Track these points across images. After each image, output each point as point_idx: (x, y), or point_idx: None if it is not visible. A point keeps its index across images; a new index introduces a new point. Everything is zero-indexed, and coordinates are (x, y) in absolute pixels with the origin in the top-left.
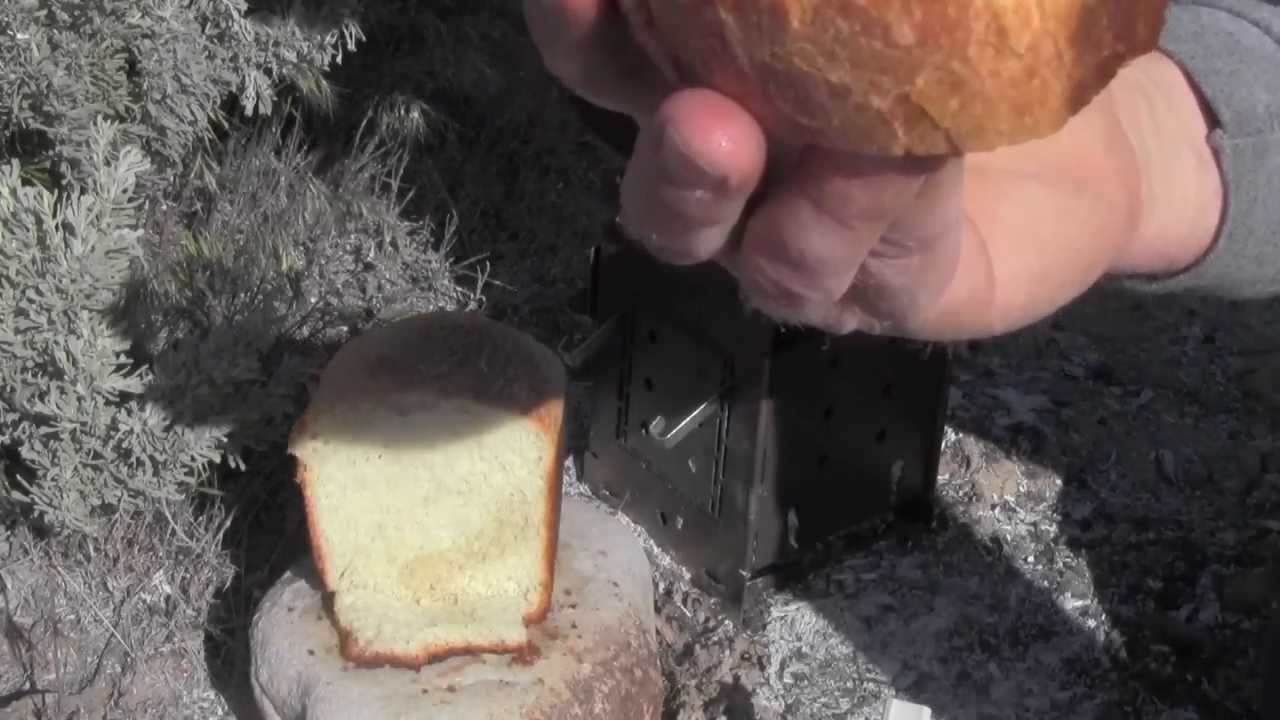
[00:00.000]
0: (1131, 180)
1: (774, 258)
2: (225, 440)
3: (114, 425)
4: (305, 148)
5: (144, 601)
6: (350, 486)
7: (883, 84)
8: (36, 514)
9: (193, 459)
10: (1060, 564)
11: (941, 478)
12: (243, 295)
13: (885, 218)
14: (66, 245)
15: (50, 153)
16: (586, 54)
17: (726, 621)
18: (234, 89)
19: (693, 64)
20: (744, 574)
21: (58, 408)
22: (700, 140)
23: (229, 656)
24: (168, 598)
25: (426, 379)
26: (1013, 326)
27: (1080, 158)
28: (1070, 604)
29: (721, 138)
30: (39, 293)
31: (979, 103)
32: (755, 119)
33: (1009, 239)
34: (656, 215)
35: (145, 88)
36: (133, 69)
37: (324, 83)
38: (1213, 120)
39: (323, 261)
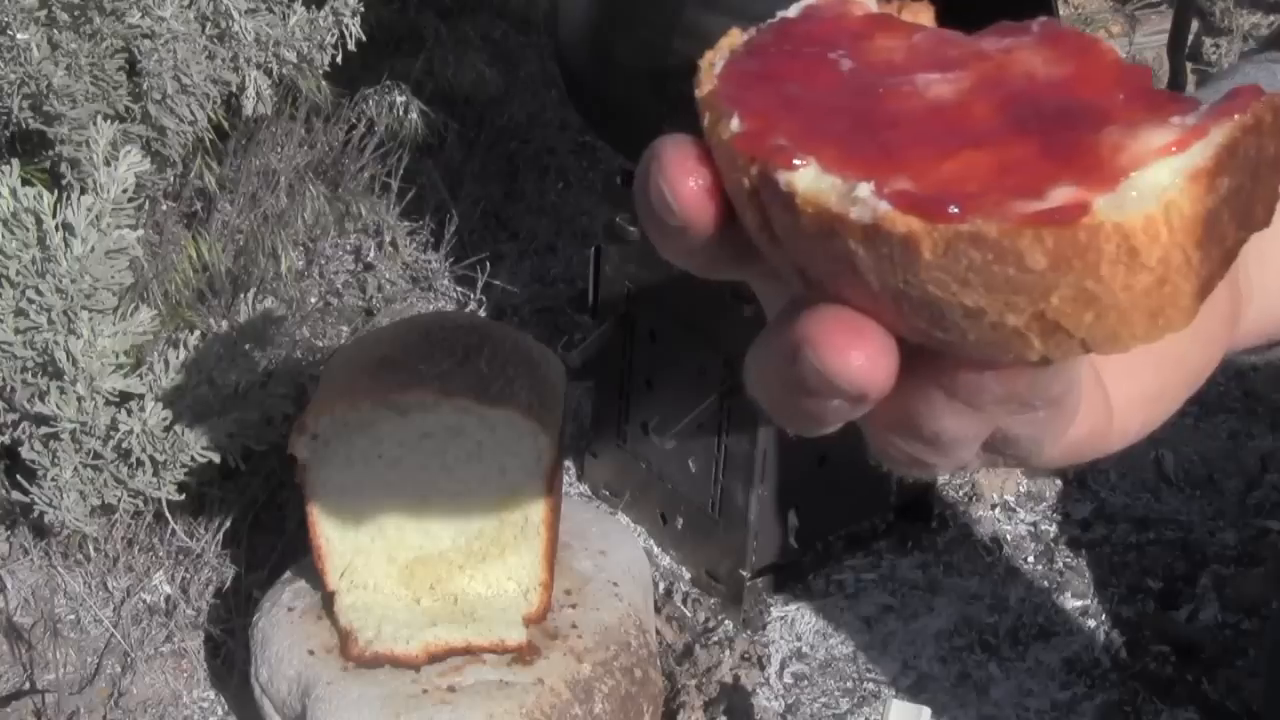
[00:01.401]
0: (1233, 283)
1: (907, 437)
2: (225, 440)
3: (114, 425)
4: (305, 148)
5: (144, 601)
6: (350, 486)
7: (1018, 304)
8: (36, 514)
9: (193, 459)
10: (1060, 564)
11: (941, 478)
12: (243, 295)
13: (1020, 401)
14: (66, 245)
15: (50, 153)
16: (707, 255)
17: (726, 621)
18: (234, 89)
19: (821, 280)
20: (744, 574)
21: (58, 408)
22: (838, 361)
23: (229, 656)
24: (168, 598)
25: (426, 379)
26: (1128, 444)
27: None
28: (1070, 604)
29: (858, 357)
30: (39, 293)
31: (1114, 314)
32: (887, 328)
33: (1122, 366)
34: (791, 415)
35: (145, 88)
36: (133, 69)
37: (324, 83)
38: None
39: (323, 261)
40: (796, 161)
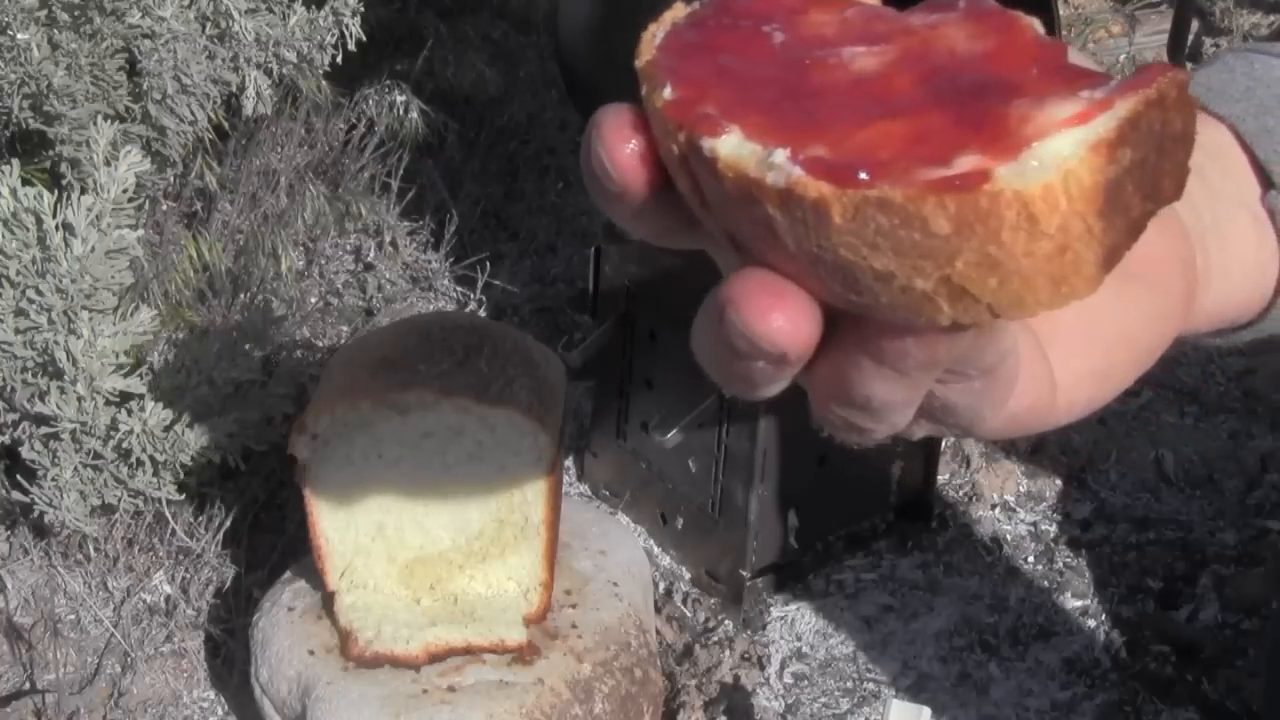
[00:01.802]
0: (1186, 259)
1: (841, 402)
2: (225, 440)
3: (114, 425)
4: (305, 148)
5: (144, 601)
6: (350, 486)
7: (924, 268)
8: (36, 514)
9: (193, 459)
10: (1060, 564)
11: (941, 478)
12: (243, 295)
13: (941, 365)
14: (66, 245)
15: (50, 153)
16: (649, 220)
17: (726, 621)
18: (234, 89)
19: (747, 243)
20: (744, 574)
21: (58, 408)
22: (759, 322)
23: (229, 656)
24: (168, 598)
25: (426, 379)
26: (1077, 419)
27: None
28: (1070, 604)
29: (779, 319)
30: (39, 293)
31: (1016, 279)
32: (809, 292)
33: (1068, 340)
34: (724, 376)
35: (145, 88)
36: (133, 69)
37: (324, 83)
38: (1266, 181)
39: (323, 261)
40: (721, 129)
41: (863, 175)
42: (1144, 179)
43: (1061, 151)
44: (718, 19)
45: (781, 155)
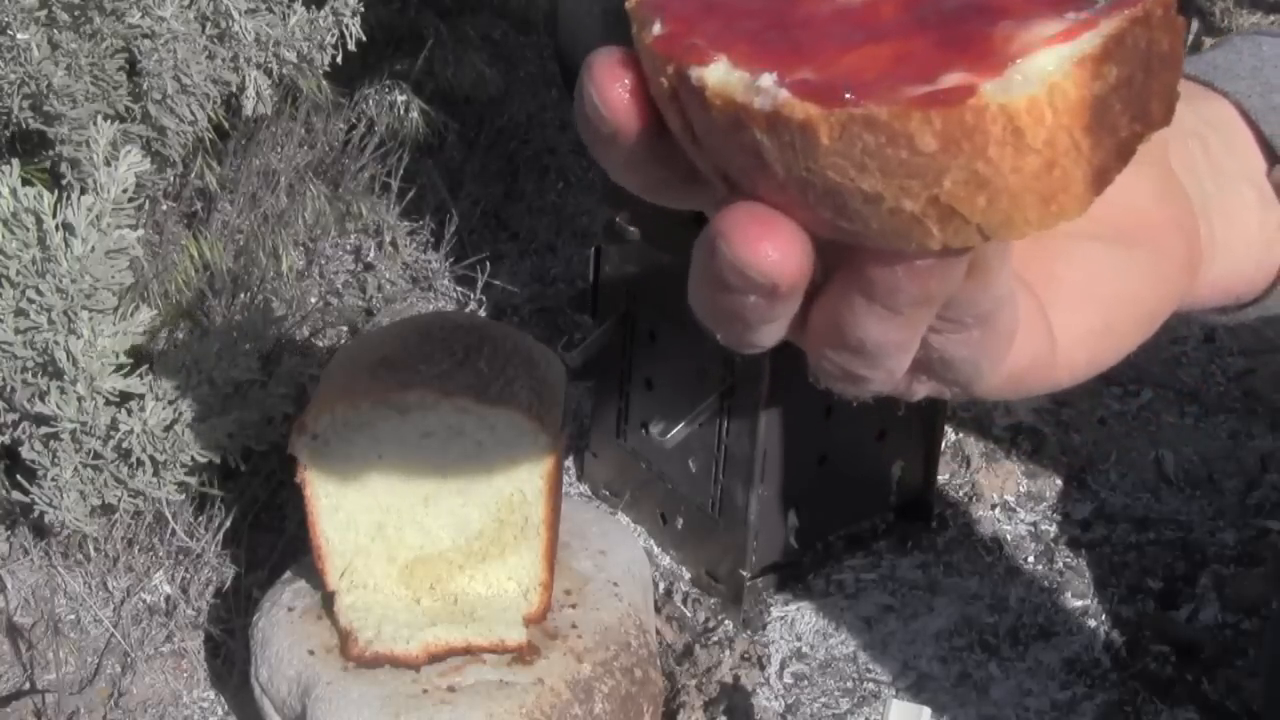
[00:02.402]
0: (1189, 228)
1: (836, 346)
2: (225, 440)
3: (114, 425)
4: (305, 148)
5: (144, 601)
6: (350, 486)
7: (912, 188)
8: (36, 514)
9: (193, 459)
10: (1060, 564)
11: (941, 478)
12: (243, 295)
13: (935, 302)
14: (66, 245)
15: (50, 153)
16: (644, 168)
17: (726, 621)
18: (234, 89)
19: (738, 178)
20: (744, 574)
21: (58, 408)
22: (749, 252)
23: (229, 656)
24: (168, 598)
25: (426, 379)
26: (1079, 381)
27: (1134, 212)
28: (1070, 604)
29: (769, 248)
30: (39, 293)
31: (1005, 197)
32: (800, 225)
33: (1068, 299)
34: (718, 316)
35: (145, 88)
36: (133, 69)
37: (324, 83)
38: (1272, 157)
39: (323, 261)
40: (708, 58)
41: (848, 95)
42: (1131, 98)
43: (1046, 66)
44: None
45: (768, 79)
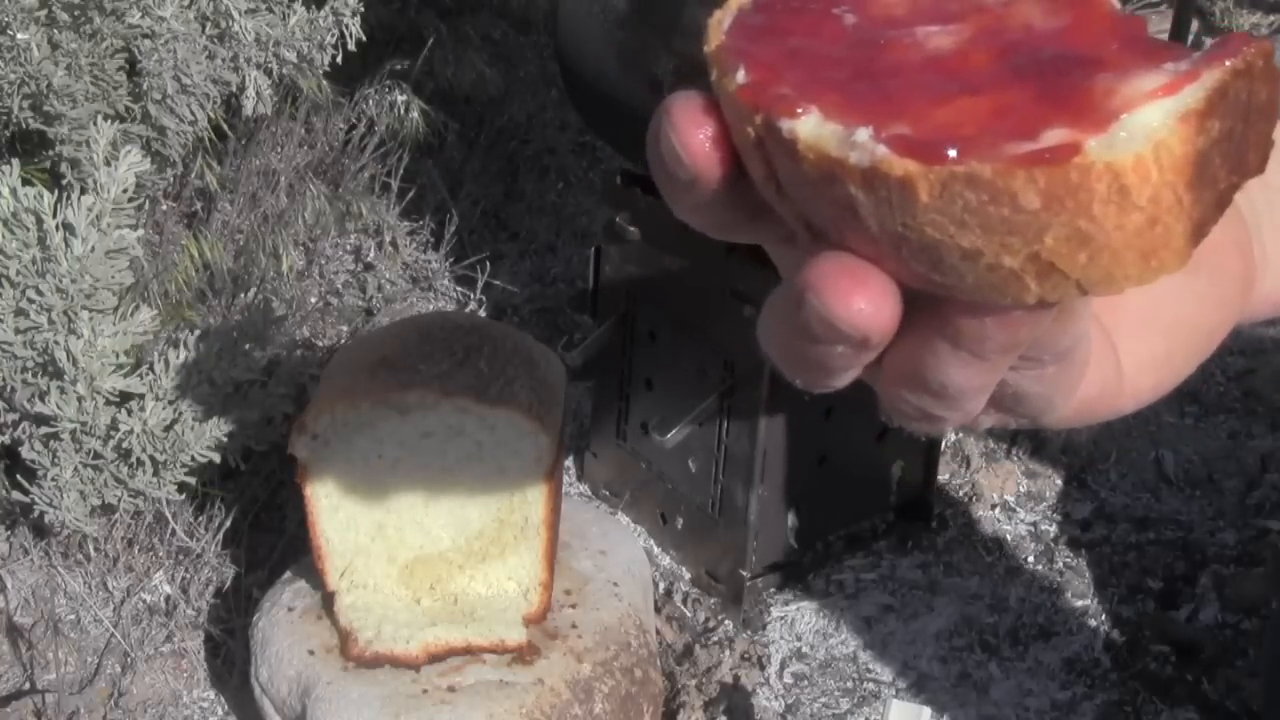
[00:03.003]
0: (1244, 247)
1: (914, 389)
2: (225, 440)
3: (114, 425)
4: (305, 148)
5: (144, 601)
6: (350, 486)
7: (1013, 245)
8: (36, 514)
9: (193, 459)
10: (1060, 564)
11: (941, 478)
12: (243, 295)
13: (1020, 348)
14: (66, 245)
15: (50, 153)
16: (715, 211)
17: (726, 621)
18: (234, 89)
19: (825, 227)
20: (744, 574)
21: (58, 408)
22: (841, 306)
23: (229, 656)
24: (168, 598)
25: (426, 379)
26: (1142, 406)
27: None
28: (1070, 604)
29: (860, 301)
30: (39, 293)
31: (1106, 254)
32: (890, 275)
33: (1133, 327)
34: (798, 364)
35: (145, 88)
36: (133, 69)
37: (324, 83)
38: None
39: (323, 261)
40: (799, 110)
41: (950, 151)
42: (1230, 151)
43: (1151, 123)
44: (785, 2)
45: (865, 134)
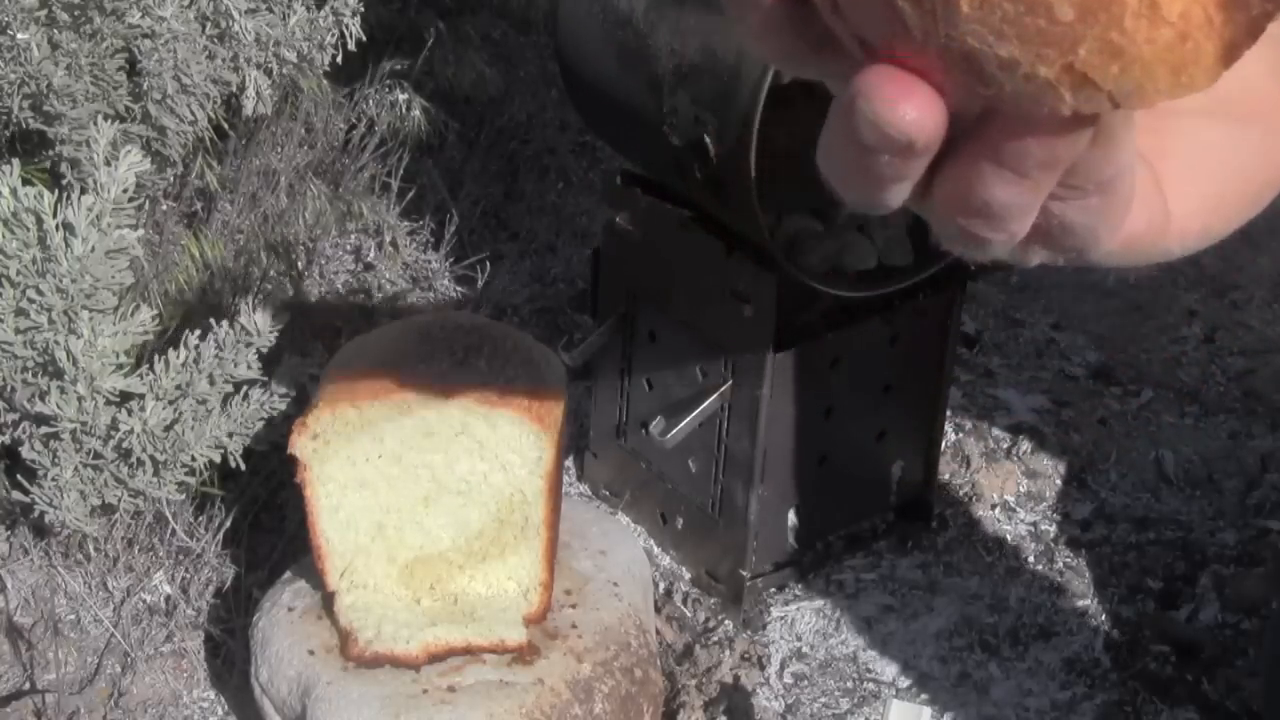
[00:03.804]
0: None
1: (961, 208)
2: (225, 440)
3: (114, 425)
4: (305, 148)
5: (144, 601)
6: (350, 486)
7: (1048, 56)
8: (36, 514)
9: (193, 459)
10: (1060, 564)
11: (941, 478)
12: (243, 295)
13: (1060, 166)
14: (67, 245)
15: (50, 153)
16: (779, 33)
17: (726, 621)
18: (234, 89)
19: (876, 44)
20: (744, 574)
21: (58, 408)
22: (888, 111)
23: (229, 656)
24: (168, 598)
25: (426, 379)
26: (1190, 251)
27: (1249, 90)
28: (1070, 604)
29: (907, 109)
30: (39, 293)
31: (1137, 67)
32: (936, 88)
33: (1182, 172)
34: (850, 175)
35: (145, 88)
36: (133, 69)
37: (324, 83)
38: None
39: (323, 261)
40: None
41: None
42: None
43: None
44: None
45: None
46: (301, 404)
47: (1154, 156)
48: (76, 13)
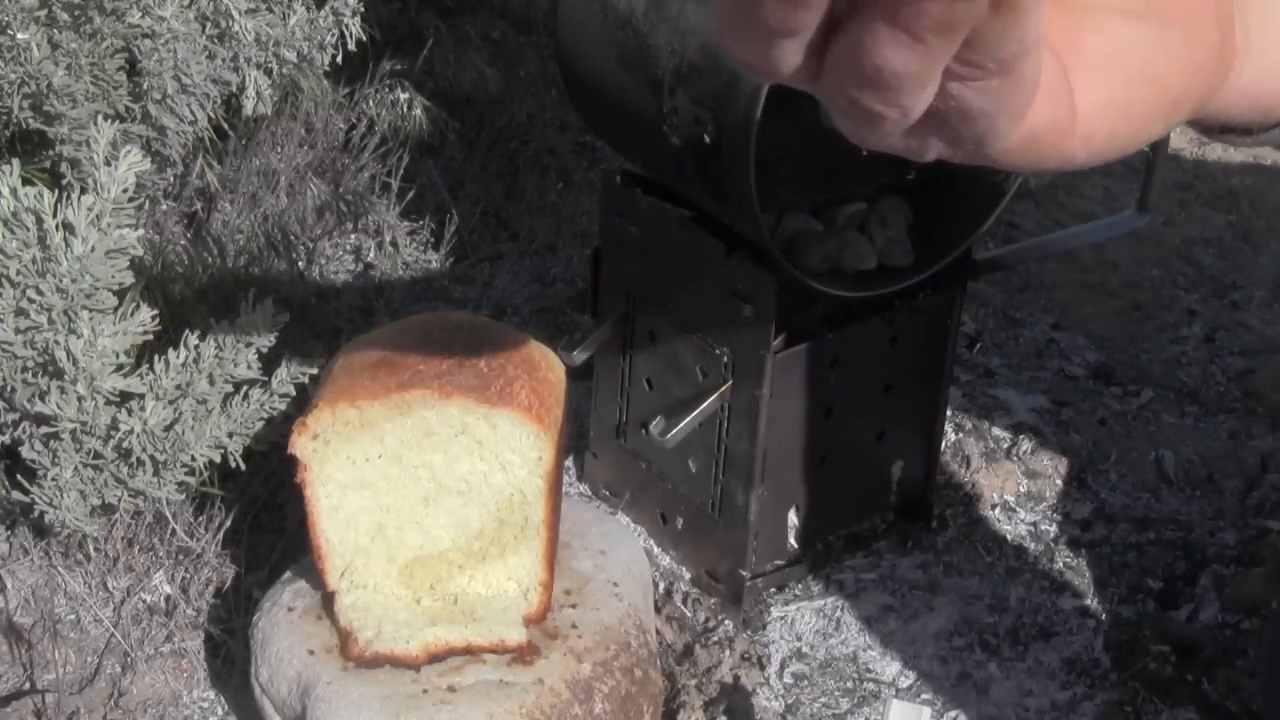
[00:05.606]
0: (1225, 21)
1: (853, 76)
2: (225, 440)
3: (114, 425)
4: (305, 148)
5: (144, 601)
6: (350, 486)
7: None
8: (36, 514)
9: (193, 459)
10: (1060, 564)
11: (941, 478)
12: (243, 295)
13: (958, 30)
14: (67, 245)
15: (50, 153)
16: None
17: (726, 621)
18: (234, 89)
19: None
20: (744, 574)
21: (58, 408)
22: None
23: (229, 656)
24: (168, 598)
25: (426, 379)
26: (1095, 159)
27: None
28: (1070, 604)
29: None
30: (39, 293)
31: None
32: None
33: (1092, 69)
34: (739, 27)
35: (145, 88)
36: (133, 69)
37: (324, 83)
38: None
39: (323, 261)
40: None
41: None
42: None
43: None
44: None
45: None
46: (301, 404)
47: (1065, 49)
48: (76, 13)
